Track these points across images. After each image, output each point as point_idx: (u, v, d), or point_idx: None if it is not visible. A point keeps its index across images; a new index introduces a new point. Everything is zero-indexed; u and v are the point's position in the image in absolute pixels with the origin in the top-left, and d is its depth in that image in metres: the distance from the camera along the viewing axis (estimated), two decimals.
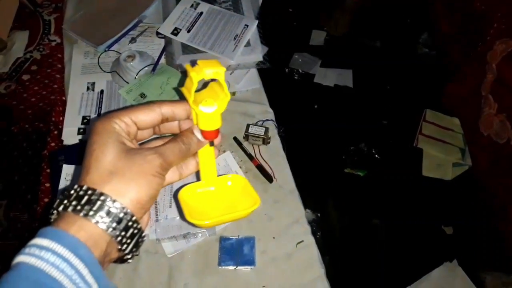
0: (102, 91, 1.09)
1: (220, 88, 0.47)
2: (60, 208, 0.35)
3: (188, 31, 1.16)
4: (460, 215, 1.70)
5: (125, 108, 0.42)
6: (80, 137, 1.01)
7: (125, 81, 1.08)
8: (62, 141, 1.00)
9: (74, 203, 0.35)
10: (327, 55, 2.10)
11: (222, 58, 1.12)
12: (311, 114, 1.95)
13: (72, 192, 0.36)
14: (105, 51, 1.15)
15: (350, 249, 1.60)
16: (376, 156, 1.82)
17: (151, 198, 0.38)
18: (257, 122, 1.05)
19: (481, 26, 1.50)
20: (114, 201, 0.35)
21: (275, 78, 1.83)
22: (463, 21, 1.66)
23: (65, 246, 0.32)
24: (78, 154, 0.95)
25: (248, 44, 1.15)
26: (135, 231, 0.37)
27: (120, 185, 0.36)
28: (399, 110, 1.96)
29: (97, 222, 0.34)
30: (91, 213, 0.34)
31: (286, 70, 2.06)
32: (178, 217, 0.92)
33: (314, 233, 0.96)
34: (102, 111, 1.05)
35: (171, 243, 0.91)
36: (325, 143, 1.85)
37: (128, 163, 0.37)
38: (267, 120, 1.07)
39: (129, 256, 0.38)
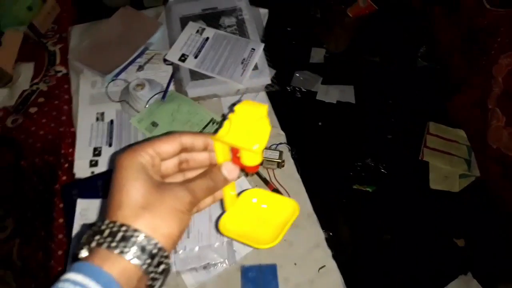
0: (112, 121, 1.08)
1: (260, 120, 0.45)
2: (93, 244, 0.35)
3: (196, 57, 1.15)
4: (471, 226, 1.69)
5: (147, 140, 0.43)
6: (92, 169, 0.99)
7: (135, 110, 1.07)
8: (74, 174, 0.99)
9: (108, 239, 0.35)
10: (328, 72, 2.11)
11: (231, 83, 1.12)
12: (316, 131, 1.94)
13: (103, 227, 0.36)
14: (113, 80, 1.14)
15: (363, 266, 1.59)
16: (383, 171, 1.82)
17: (181, 233, 0.39)
18: (270, 146, 1.05)
19: (484, 40, 1.52)
20: (148, 237, 0.35)
21: (279, 97, 1.83)
22: (465, 34, 1.68)
23: (99, 283, 0.32)
24: (92, 187, 0.93)
25: (255, 67, 1.15)
26: (166, 266, 0.37)
27: (153, 221, 0.36)
28: (403, 124, 1.97)
29: (132, 258, 0.35)
30: (126, 250, 0.34)
31: (288, 89, 2.06)
32: (197, 248, 0.91)
33: None
34: (113, 142, 1.04)
35: (192, 274, 0.89)
36: (332, 160, 1.85)
37: (159, 198, 0.38)
38: (280, 143, 1.06)
39: None
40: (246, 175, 0.48)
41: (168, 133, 0.44)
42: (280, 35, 2.21)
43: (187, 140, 0.44)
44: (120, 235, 0.35)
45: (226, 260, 0.90)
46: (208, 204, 0.49)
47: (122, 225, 0.35)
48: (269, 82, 1.15)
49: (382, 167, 1.82)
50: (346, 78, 2.09)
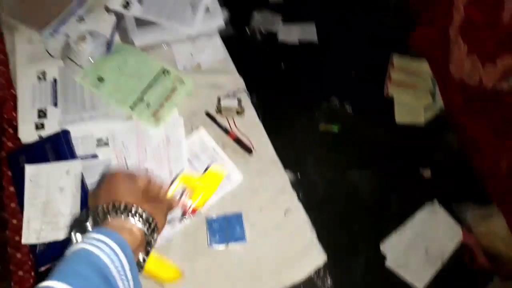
0: (55, 79, 1.00)
1: None
2: (115, 215, 0.53)
3: (140, 2, 1.07)
4: (437, 156, 1.73)
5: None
6: (39, 132, 0.93)
7: (79, 65, 0.99)
8: (20, 139, 0.92)
9: (141, 218, 0.54)
10: (288, 10, 2.02)
11: (181, 28, 1.05)
12: (280, 74, 1.89)
13: (122, 207, 0.53)
14: (51, 34, 1.05)
15: (334, 204, 1.62)
16: (348, 108, 1.81)
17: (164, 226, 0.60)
18: (228, 94, 1.00)
19: None
20: (154, 218, 0.55)
21: (238, 41, 1.76)
22: None
23: (116, 243, 0.47)
24: (41, 151, 0.88)
25: (207, 10, 1.08)
26: (155, 241, 0.57)
27: (155, 211, 0.57)
28: (367, 59, 1.93)
29: (142, 229, 0.53)
30: (137, 220, 0.53)
31: (248, 31, 1.97)
32: None
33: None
34: (59, 102, 0.97)
35: None
36: (297, 102, 1.81)
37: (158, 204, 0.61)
38: (238, 90, 1.01)
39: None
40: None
41: None
42: None
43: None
44: (138, 214, 0.54)
45: (190, 214, 0.88)
46: None
47: (138, 207, 0.54)
48: (222, 24, 1.08)
49: (348, 105, 1.81)
50: (306, 15, 2.01)
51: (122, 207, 0.53)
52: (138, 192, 0.58)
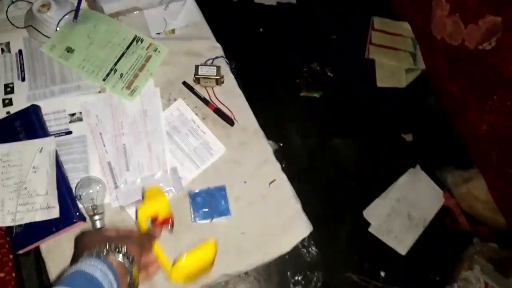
0: (20, 51, 0.93)
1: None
2: (104, 253, 0.58)
3: None
4: (418, 121, 1.73)
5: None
6: (7, 109, 0.87)
7: (45, 35, 0.93)
8: None
9: (116, 252, 0.59)
10: None
11: None
12: (258, 39, 1.83)
13: (102, 247, 0.58)
14: (13, 2, 0.97)
15: (317, 172, 1.61)
16: (330, 74, 1.77)
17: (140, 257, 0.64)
18: (206, 62, 0.96)
19: None
20: (131, 252, 0.60)
21: (213, 4, 1.68)
22: None
23: (107, 266, 0.55)
24: (10, 129, 0.83)
25: None
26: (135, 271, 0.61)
27: (130, 245, 0.61)
28: (347, 22, 1.88)
29: (122, 262, 0.58)
30: (120, 256, 0.58)
31: None
32: (139, 180, 0.85)
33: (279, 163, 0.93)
34: (26, 75, 0.91)
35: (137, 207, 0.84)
36: (276, 69, 1.77)
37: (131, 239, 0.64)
38: (216, 57, 0.97)
39: None
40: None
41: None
42: None
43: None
44: (122, 251, 0.59)
45: (172, 188, 0.85)
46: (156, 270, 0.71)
47: (122, 246, 0.60)
48: None
49: (329, 70, 1.78)
50: None
51: (102, 247, 0.58)
52: (109, 236, 0.64)
